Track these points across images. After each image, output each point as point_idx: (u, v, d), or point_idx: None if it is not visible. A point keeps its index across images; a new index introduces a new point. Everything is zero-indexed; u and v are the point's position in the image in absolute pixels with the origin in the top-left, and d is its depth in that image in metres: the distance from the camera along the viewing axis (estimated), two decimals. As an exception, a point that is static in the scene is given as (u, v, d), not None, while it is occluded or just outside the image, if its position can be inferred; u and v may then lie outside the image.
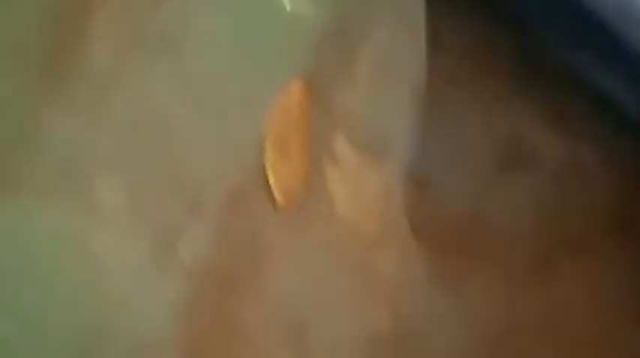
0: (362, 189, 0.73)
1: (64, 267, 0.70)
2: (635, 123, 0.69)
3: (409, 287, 0.70)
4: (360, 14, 0.74)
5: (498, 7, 0.72)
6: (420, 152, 0.73)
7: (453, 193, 0.72)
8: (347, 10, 0.74)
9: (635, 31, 0.65)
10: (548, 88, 0.73)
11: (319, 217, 0.72)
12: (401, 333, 0.69)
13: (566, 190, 0.72)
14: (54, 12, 0.73)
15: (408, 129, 0.74)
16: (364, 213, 0.72)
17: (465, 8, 0.73)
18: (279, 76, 0.73)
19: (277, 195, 0.72)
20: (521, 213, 0.72)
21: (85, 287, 0.69)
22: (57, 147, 0.72)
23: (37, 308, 0.69)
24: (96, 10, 0.73)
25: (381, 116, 0.74)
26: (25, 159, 0.71)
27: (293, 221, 0.72)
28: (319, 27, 0.74)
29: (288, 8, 0.74)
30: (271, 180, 0.72)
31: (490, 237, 0.71)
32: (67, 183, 0.71)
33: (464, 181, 0.73)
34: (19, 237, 0.70)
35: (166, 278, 0.70)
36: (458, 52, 0.74)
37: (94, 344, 0.69)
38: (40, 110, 0.72)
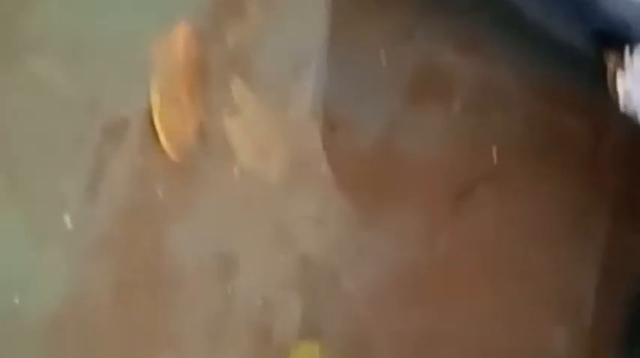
0: (265, 136, 0.67)
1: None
2: (549, 41, 0.65)
3: (325, 225, 0.66)
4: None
5: None
6: (326, 89, 0.68)
7: (364, 129, 0.67)
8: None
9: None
10: (454, 14, 0.69)
11: (221, 168, 0.66)
12: (310, 276, 0.65)
13: (481, 115, 0.68)
14: None
15: (311, 67, 0.68)
16: (270, 159, 0.67)
17: None
18: (165, 18, 0.67)
19: (169, 147, 0.65)
20: (436, 143, 0.67)
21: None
22: None
23: None
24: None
25: (281, 55, 0.68)
26: None
27: (192, 175, 0.66)
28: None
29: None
30: (161, 133, 0.66)
31: (406, 170, 0.67)
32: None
33: (375, 116, 0.68)
34: None
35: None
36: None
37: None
38: None
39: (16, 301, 0.62)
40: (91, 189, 0.64)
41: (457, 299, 0.64)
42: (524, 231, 0.66)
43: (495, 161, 0.67)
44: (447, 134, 0.67)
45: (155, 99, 0.66)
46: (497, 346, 0.63)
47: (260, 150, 0.67)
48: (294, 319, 0.64)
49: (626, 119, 0.64)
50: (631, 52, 0.58)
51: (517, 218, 0.66)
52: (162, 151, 0.65)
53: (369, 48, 0.69)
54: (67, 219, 0.64)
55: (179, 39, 0.67)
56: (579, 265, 0.65)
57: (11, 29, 0.64)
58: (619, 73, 0.59)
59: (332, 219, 0.66)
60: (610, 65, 0.59)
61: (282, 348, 0.64)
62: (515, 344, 0.63)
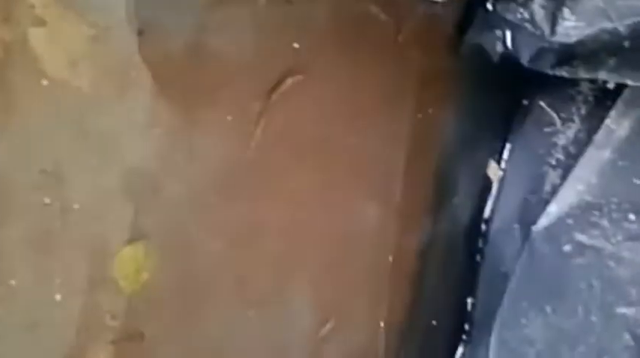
0: (73, 45, 0.66)
1: None
2: None
3: (144, 132, 0.66)
4: None
5: None
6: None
7: (173, 32, 0.67)
8: None
9: None
10: None
11: (28, 81, 0.65)
12: (134, 183, 0.65)
13: (286, 8, 0.69)
14: None
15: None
16: (81, 70, 0.66)
17: None
18: None
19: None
20: (244, 40, 0.68)
21: None
22: None
23: None
24: None
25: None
26: None
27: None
28: None
29: None
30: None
31: (217, 71, 0.67)
32: None
33: (183, 18, 0.68)
34: None
35: None
36: None
37: None
38: None
39: None
40: None
41: (276, 189, 0.66)
42: (335, 118, 0.68)
43: (301, 54, 0.68)
44: (254, 30, 0.68)
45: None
46: (315, 227, 0.66)
47: (69, 61, 0.66)
48: (121, 226, 0.65)
49: (424, 6, 0.67)
50: None
51: (327, 105, 0.68)
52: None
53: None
54: None
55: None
56: (389, 144, 0.68)
57: None
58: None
59: (150, 126, 0.66)
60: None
61: (109, 255, 0.65)
62: (333, 223, 0.66)
